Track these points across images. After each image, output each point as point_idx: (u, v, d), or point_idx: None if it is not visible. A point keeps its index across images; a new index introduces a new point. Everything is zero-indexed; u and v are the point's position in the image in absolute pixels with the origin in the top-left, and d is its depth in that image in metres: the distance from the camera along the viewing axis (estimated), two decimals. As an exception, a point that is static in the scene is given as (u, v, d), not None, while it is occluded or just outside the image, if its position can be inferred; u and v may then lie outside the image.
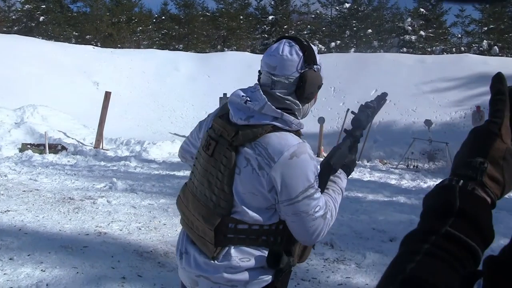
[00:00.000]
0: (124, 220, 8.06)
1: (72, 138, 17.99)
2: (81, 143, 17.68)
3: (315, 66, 2.31)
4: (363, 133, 2.66)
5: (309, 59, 2.28)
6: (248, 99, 2.24)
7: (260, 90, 2.25)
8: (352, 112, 2.68)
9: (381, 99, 2.79)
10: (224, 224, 2.21)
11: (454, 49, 46.30)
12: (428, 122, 17.81)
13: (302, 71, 2.26)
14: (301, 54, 2.27)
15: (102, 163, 14.38)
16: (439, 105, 19.96)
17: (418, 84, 21.51)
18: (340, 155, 2.48)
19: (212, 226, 2.21)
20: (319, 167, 2.31)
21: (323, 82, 2.43)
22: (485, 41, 43.34)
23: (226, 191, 2.21)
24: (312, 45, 2.35)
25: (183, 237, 2.47)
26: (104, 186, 10.63)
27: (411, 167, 17.38)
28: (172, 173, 13.15)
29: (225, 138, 2.24)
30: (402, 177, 14.68)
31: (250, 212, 2.19)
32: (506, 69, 20.83)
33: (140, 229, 7.59)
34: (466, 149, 1.05)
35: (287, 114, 2.21)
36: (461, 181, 1.00)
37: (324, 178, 2.38)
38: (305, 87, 2.26)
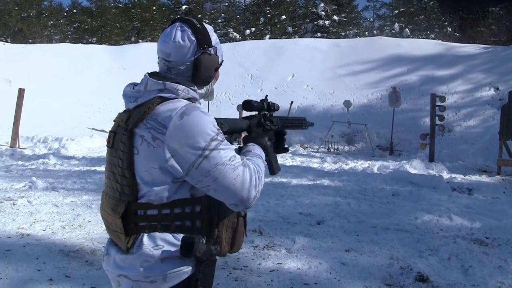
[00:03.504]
0: (47, 220, 7.83)
1: (-14, 139, 17.43)
2: (-5, 143, 17.16)
3: (210, 49, 2.32)
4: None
5: (202, 43, 2.29)
6: (136, 85, 2.26)
7: (147, 74, 2.25)
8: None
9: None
10: (132, 211, 2.15)
11: (367, 33, 47.18)
12: (347, 103, 18.03)
13: (196, 57, 2.27)
14: (193, 38, 2.27)
15: (20, 162, 13.96)
16: (355, 88, 20.29)
17: (334, 68, 21.79)
18: (233, 121, 2.52)
19: (118, 215, 2.15)
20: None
21: (224, 61, 2.47)
22: (396, 24, 44.30)
23: (128, 176, 2.15)
24: (205, 25, 2.34)
25: (108, 241, 2.41)
26: (24, 186, 10.30)
27: (332, 150, 17.61)
28: (93, 168, 12.89)
29: (121, 126, 2.22)
30: (324, 161, 14.85)
31: (152, 190, 2.12)
32: (417, 50, 21.44)
33: (64, 228, 7.40)
34: None
35: (170, 82, 2.19)
36: None
37: None
38: (200, 73, 2.28)
